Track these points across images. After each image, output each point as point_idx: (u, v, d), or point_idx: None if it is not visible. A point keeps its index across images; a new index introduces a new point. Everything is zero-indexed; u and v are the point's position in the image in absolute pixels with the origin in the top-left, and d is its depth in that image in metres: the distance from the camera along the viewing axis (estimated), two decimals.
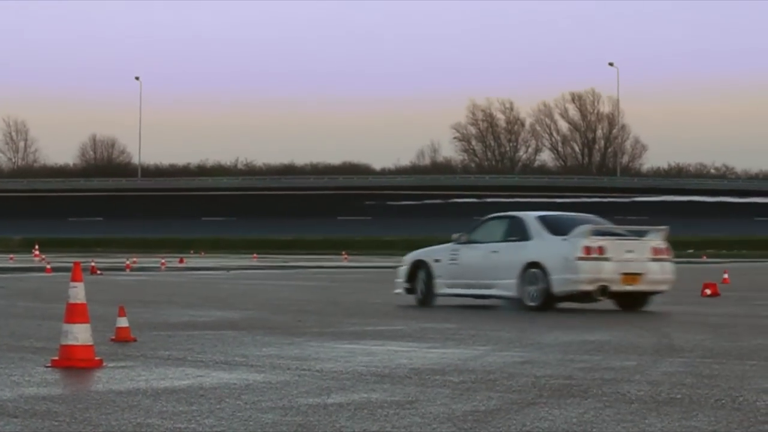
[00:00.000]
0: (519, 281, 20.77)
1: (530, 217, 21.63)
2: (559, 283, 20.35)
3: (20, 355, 12.23)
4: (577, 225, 21.02)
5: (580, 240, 20.45)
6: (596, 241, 20.49)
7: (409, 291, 22.75)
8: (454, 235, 22.84)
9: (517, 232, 21.39)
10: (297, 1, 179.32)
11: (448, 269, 22.17)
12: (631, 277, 20.60)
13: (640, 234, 21.46)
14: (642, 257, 20.80)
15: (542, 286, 20.49)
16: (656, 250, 20.99)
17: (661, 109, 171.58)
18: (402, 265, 23.15)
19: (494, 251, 21.49)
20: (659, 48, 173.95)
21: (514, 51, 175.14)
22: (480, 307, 21.55)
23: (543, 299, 20.46)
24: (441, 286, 22.25)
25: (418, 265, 22.67)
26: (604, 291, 20.46)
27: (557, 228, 21.09)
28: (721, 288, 26.51)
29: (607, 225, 21.94)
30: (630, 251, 20.76)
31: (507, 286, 21.00)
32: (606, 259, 20.42)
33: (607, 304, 21.24)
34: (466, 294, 22.03)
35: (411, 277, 22.77)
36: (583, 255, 20.31)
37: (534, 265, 20.64)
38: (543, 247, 20.81)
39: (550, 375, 10.43)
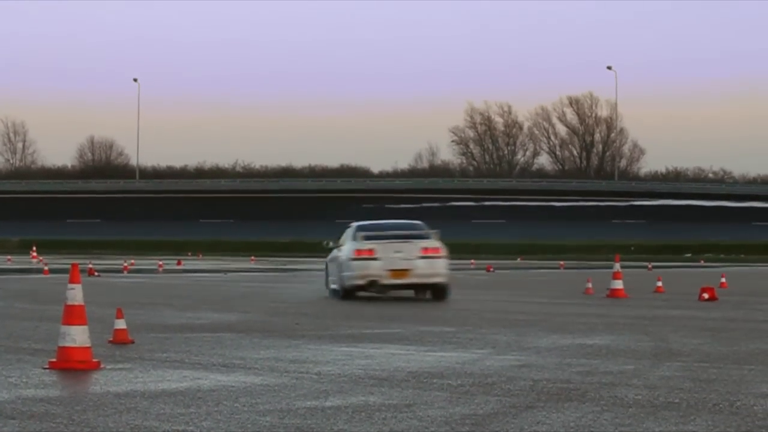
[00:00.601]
0: (338, 277, 25.55)
1: (354, 226, 26.38)
2: (345, 279, 25.09)
3: (18, 356, 12.23)
4: (384, 231, 25.45)
5: (354, 244, 25.11)
6: (366, 245, 24.97)
7: (327, 285, 27.37)
8: (324, 241, 28.35)
9: (347, 238, 26.07)
10: (294, 4, 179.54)
11: (329, 268, 27.09)
12: (399, 272, 24.75)
13: (414, 237, 25.39)
14: (410, 256, 24.79)
15: (342, 282, 25.21)
16: (426, 250, 24.95)
17: (660, 113, 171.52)
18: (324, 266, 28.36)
19: (338, 254, 26.05)
20: (657, 52, 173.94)
21: (513, 55, 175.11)
22: (478, 308, 21.60)
23: (343, 292, 25.24)
24: (330, 282, 26.89)
25: (326, 266, 27.73)
26: (373, 284, 24.89)
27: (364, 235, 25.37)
28: (719, 292, 26.47)
29: (408, 230, 25.95)
30: (398, 251, 24.85)
31: (336, 281, 25.88)
32: (374, 259, 24.77)
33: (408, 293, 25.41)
34: (335, 288, 26.17)
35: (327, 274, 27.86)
36: (355, 256, 24.86)
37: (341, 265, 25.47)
38: (345, 250, 25.50)
39: (548, 379, 10.43)
